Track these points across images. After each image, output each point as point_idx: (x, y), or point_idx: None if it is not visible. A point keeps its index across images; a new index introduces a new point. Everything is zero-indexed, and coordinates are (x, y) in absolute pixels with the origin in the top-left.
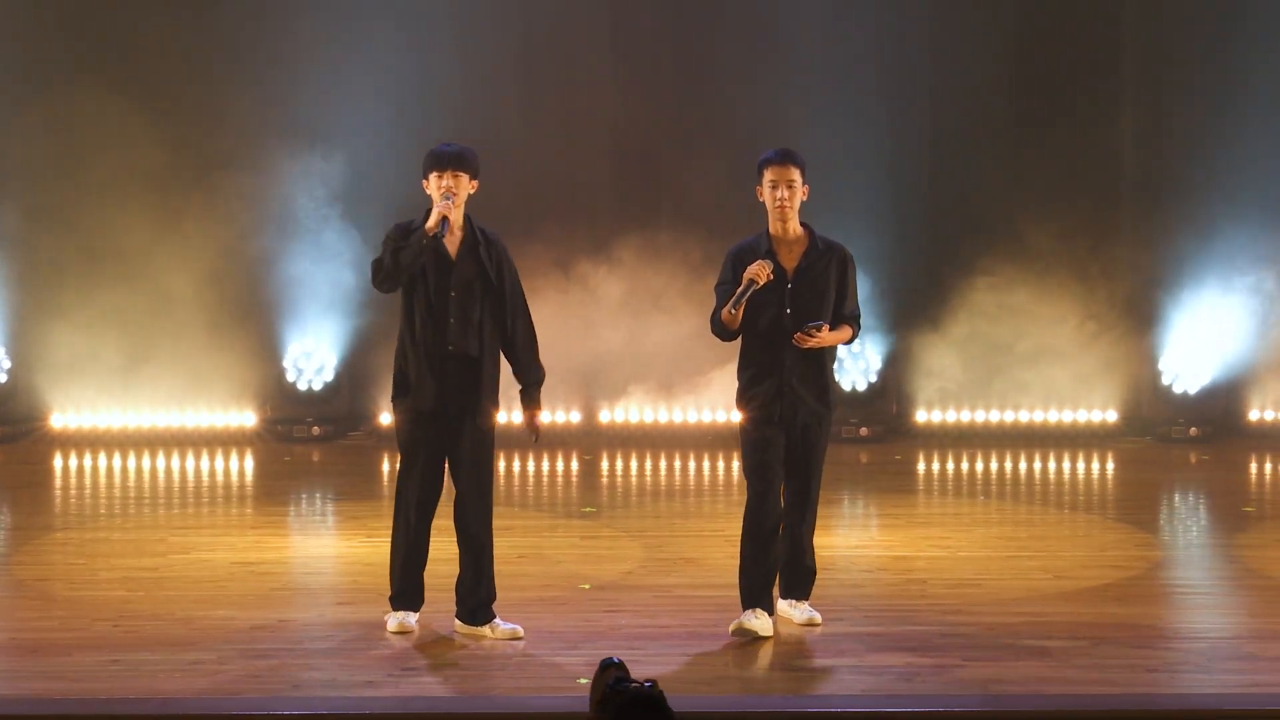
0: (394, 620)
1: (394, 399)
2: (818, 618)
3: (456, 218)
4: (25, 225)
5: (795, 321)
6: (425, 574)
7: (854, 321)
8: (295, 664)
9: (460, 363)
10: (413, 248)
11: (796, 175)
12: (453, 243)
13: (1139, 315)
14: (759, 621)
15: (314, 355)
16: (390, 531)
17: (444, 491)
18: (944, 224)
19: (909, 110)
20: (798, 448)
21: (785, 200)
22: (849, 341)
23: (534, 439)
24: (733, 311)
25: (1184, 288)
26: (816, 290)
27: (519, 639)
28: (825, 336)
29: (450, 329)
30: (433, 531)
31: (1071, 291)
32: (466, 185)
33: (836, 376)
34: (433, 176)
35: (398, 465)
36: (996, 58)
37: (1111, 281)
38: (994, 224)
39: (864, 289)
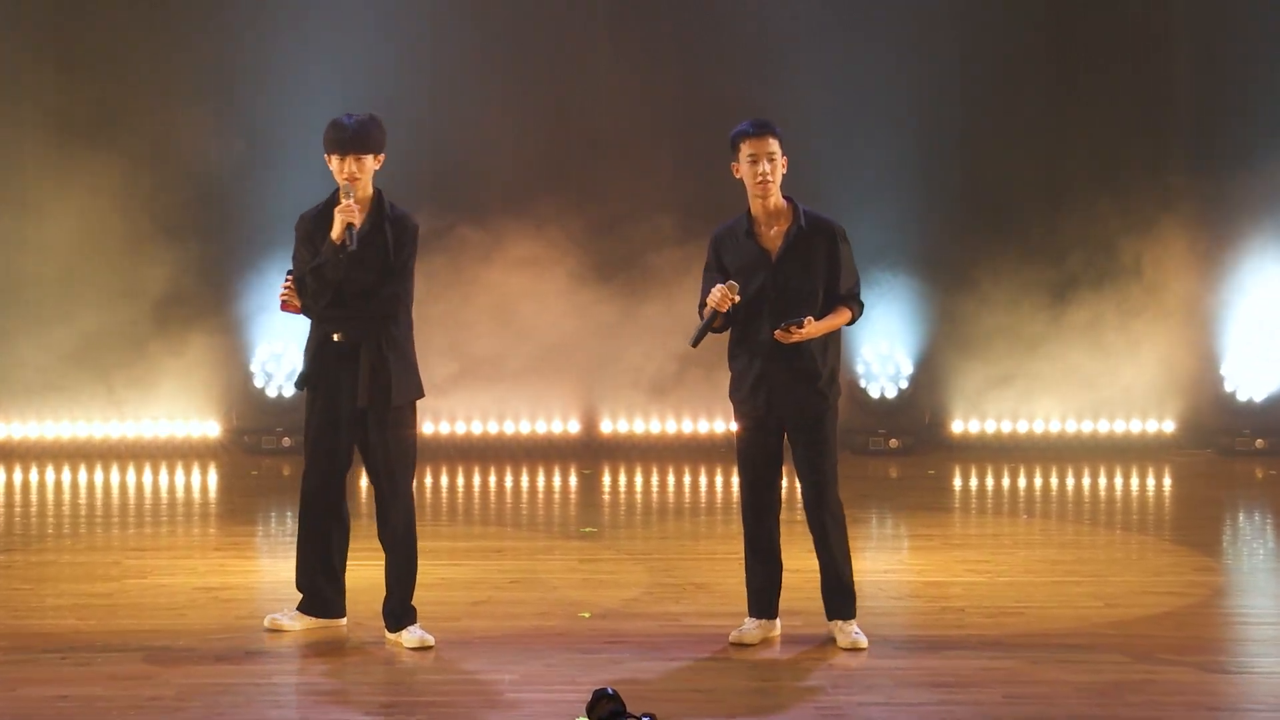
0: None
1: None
2: (862, 640)
3: (361, 215)
4: None
5: (781, 305)
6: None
7: (853, 301)
8: (263, 701)
9: (353, 348)
10: (330, 262)
11: (776, 146)
12: (357, 213)
13: (1198, 314)
14: (743, 629)
15: (284, 358)
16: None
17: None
18: (979, 216)
19: (942, 108)
20: (797, 443)
21: (767, 174)
22: (850, 323)
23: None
24: (692, 347)
25: (1248, 283)
26: (805, 271)
27: (427, 647)
28: (811, 328)
29: (344, 313)
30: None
31: (1123, 288)
32: (371, 165)
33: (859, 369)
34: (334, 158)
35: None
36: (1033, 27)
37: (1167, 276)
38: (1034, 214)
39: (890, 285)
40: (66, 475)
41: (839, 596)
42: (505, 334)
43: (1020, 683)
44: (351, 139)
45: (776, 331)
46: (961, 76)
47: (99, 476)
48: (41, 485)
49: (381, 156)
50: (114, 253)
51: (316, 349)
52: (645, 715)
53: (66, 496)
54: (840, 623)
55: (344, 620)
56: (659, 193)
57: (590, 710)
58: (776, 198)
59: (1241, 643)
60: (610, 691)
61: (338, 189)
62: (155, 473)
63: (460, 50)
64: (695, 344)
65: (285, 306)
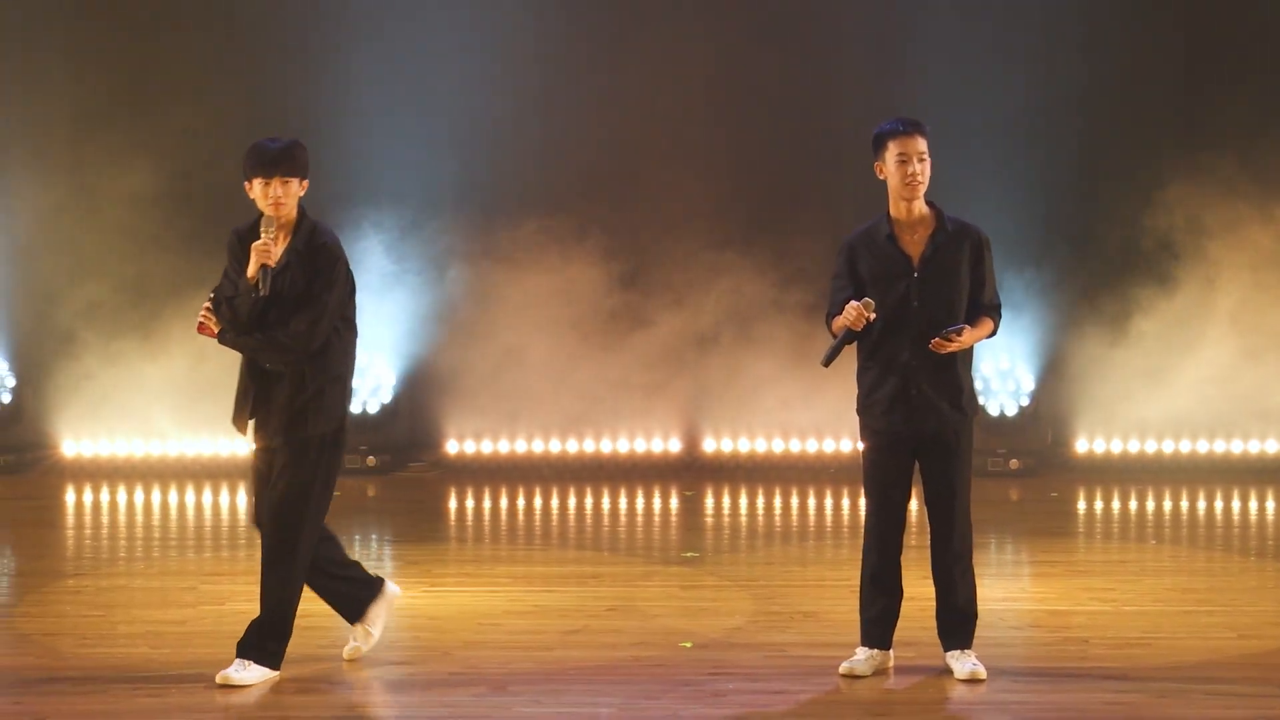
0: None
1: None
2: (981, 672)
3: (277, 252)
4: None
5: (924, 316)
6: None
7: (994, 312)
8: None
9: (274, 379)
10: (244, 298)
11: (925, 146)
12: (278, 248)
13: None
14: (854, 660)
15: (369, 373)
16: None
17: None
18: (1107, 222)
19: (1061, 111)
20: (932, 463)
21: (917, 174)
22: (991, 335)
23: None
24: (824, 366)
25: None
26: (947, 279)
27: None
28: (965, 338)
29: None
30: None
31: (1258, 299)
32: (296, 190)
33: (977, 385)
34: (257, 183)
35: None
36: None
37: None
38: (1168, 217)
39: (1012, 297)
40: (139, 496)
41: (958, 625)
42: (602, 348)
43: (1147, 719)
44: (278, 160)
45: (934, 340)
46: (1084, 82)
47: (173, 497)
48: (113, 506)
49: (305, 182)
50: (196, 274)
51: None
52: None
53: (139, 518)
54: (957, 652)
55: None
56: (769, 212)
57: None
58: (919, 202)
59: None
60: None
61: (258, 220)
62: (233, 494)
63: (546, 58)
64: (827, 364)
65: (201, 329)
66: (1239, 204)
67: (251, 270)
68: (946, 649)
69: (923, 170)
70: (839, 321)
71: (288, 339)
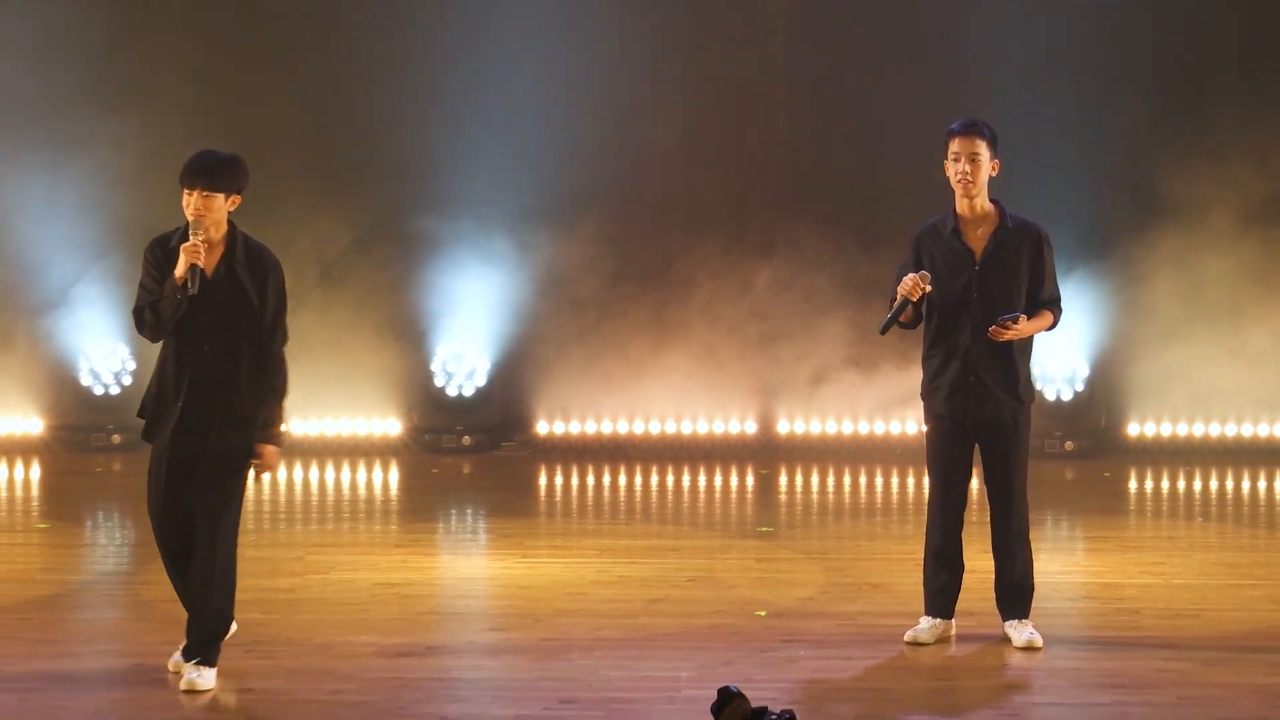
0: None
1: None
2: (1038, 640)
3: (210, 256)
4: None
5: (983, 307)
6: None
7: (1053, 306)
8: (443, 695)
9: (207, 389)
10: (169, 299)
11: (981, 147)
12: (211, 261)
13: None
14: (918, 629)
15: (465, 359)
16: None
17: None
18: (1156, 215)
19: (1119, 93)
20: (990, 446)
21: (967, 174)
22: (1050, 328)
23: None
24: (880, 334)
25: None
26: (1007, 273)
27: (195, 691)
28: (1022, 327)
29: (202, 355)
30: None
31: None
32: (223, 205)
33: (1035, 373)
34: (184, 192)
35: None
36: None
37: None
38: (1213, 213)
39: (1069, 288)
40: (252, 473)
41: (1016, 597)
42: (681, 337)
43: (1194, 685)
44: (203, 173)
45: (991, 328)
46: (1135, 80)
47: (282, 473)
48: None
49: (237, 198)
50: (315, 260)
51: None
52: (787, 711)
53: (250, 493)
54: (1015, 622)
55: None
56: (843, 199)
57: (718, 711)
58: (982, 199)
59: None
60: (734, 689)
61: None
62: (338, 470)
63: (640, 60)
64: (883, 331)
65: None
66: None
67: (180, 269)
68: (1005, 619)
69: (974, 170)
70: (898, 290)
71: (280, 370)
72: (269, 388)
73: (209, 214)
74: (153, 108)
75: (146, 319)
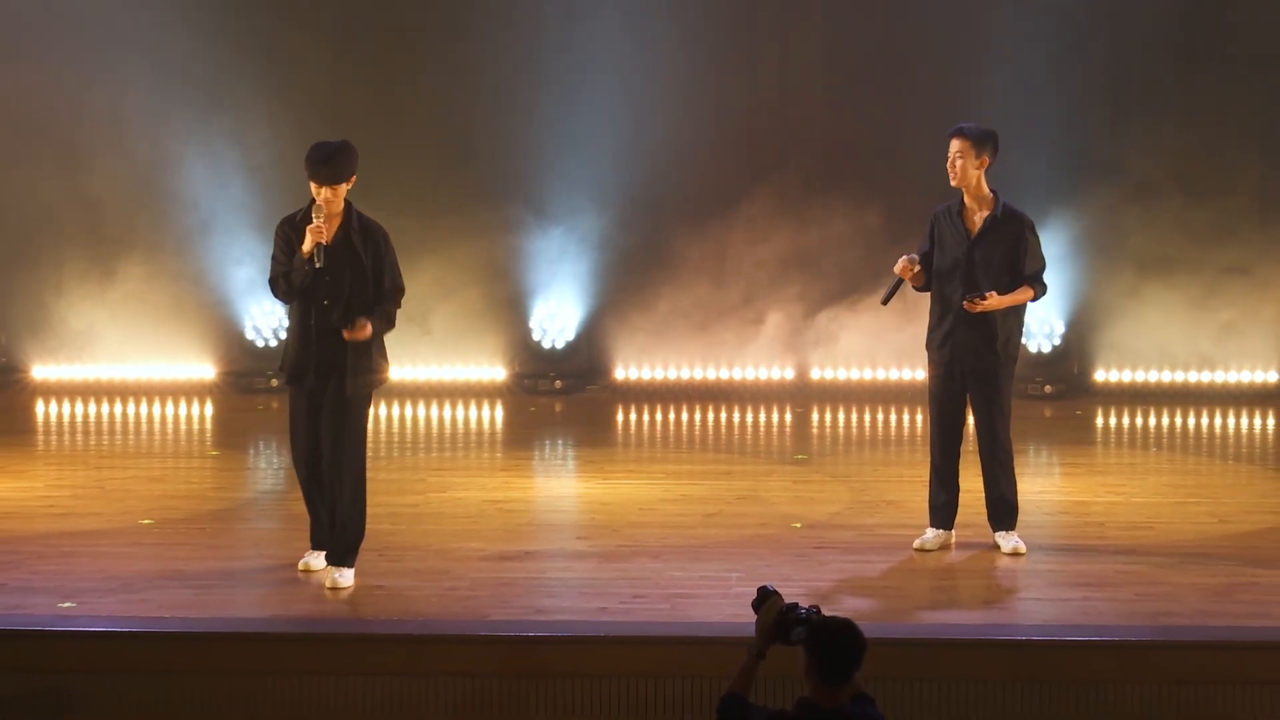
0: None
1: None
2: (1022, 547)
3: (329, 228)
4: None
5: (974, 277)
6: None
7: (1033, 281)
8: (538, 591)
9: (331, 339)
10: (298, 271)
11: (958, 146)
12: (330, 232)
13: None
14: (924, 538)
15: (557, 317)
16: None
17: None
18: (1127, 197)
19: (1088, 79)
20: (976, 390)
21: (953, 169)
22: (1035, 299)
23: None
24: (882, 304)
25: None
26: (995, 251)
27: (338, 588)
28: (993, 301)
29: (324, 310)
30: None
31: (1242, 260)
32: (343, 190)
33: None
34: (311, 183)
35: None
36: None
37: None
38: (1174, 198)
39: (1047, 259)
40: (383, 409)
41: (1003, 512)
42: (739, 298)
43: (1149, 584)
44: (322, 169)
45: (965, 301)
46: (1108, 71)
47: (408, 410)
48: None
49: (352, 179)
50: (425, 237)
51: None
52: (813, 607)
53: (382, 426)
54: (1003, 533)
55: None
56: (874, 181)
57: (757, 605)
58: (976, 187)
59: None
60: (770, 588)
61: (312, 202)
62: (454, 408)
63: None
64: (885, 303)
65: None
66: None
67: (307, 247)
68: (994, 530)
69: (954, 165)
70: (895, 268)
71: (394, 304)
72: (381, 312)
73: (335, 199)
74: (299, 96)
75: (280, 286)
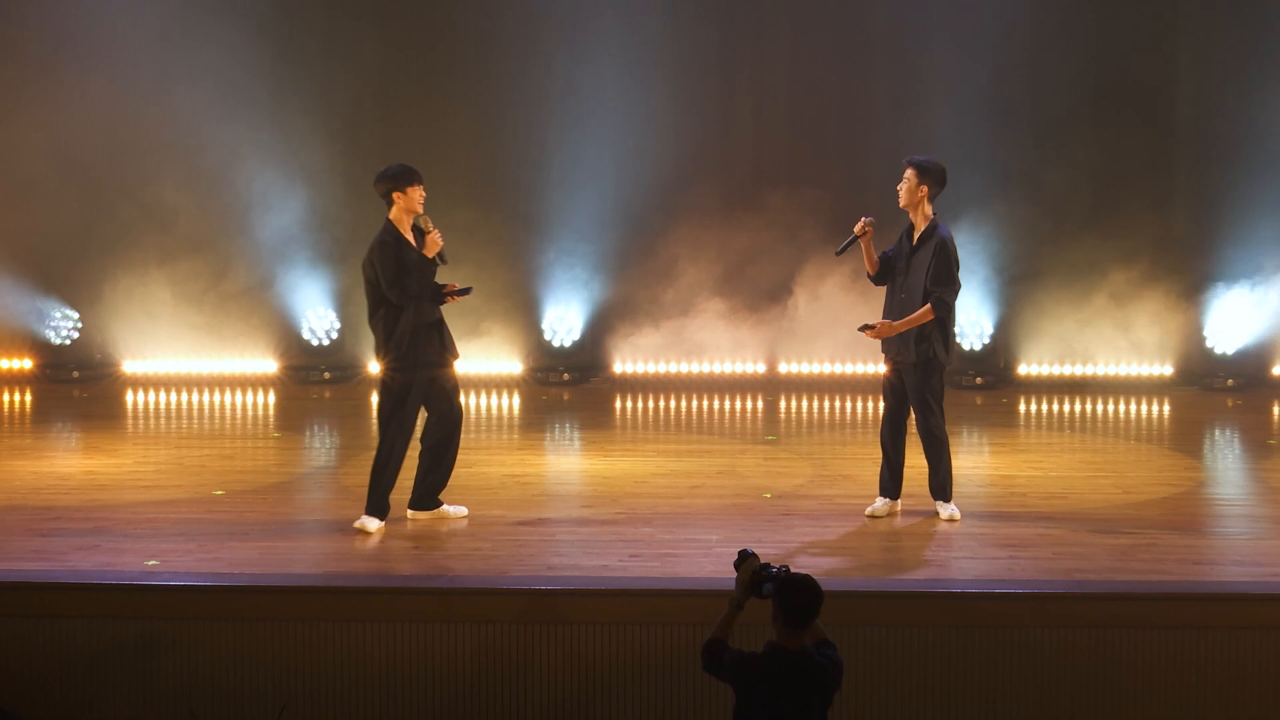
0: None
1: (405, 360)
2: (957, 514)
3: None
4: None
5: (904, 284)
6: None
7: (932, 296)
8: (549, 551)
9: (434, 326)
10: (429, 271)
11: (907, 171)
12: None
13: (1191, 289)
14: (874, 506)
15: (565, 318)
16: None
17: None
18: (1044, 219)
19: (1015, 109)
20: (908, 383)
21: (899, 190)
22: (934, 315)
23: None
24: (836, 254)
25: (1221, 266)
26: (921, 262)
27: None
28: (883, 329)
29: (427, 307)
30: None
31: (1143, 270)
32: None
33: (955, 337)
34: (419, 189)
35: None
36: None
37: (1169, 270)
38: (1080, 223)
39: (978, 270)
40: None
41: (940, 485)
42: (717, 299)
43: (1065, 545)
44: (420, 174)
45: (859, 330)
46: (1031, 99)
47: None
48: None
49: None
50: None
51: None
52: (783, 566)
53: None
54: (941, 503)
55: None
56: (838, 191)
57: (738, 565)
58: (913, 209)
59: (1217, 518)
60: (750, 551)
61: (390, 219)
62: (477, 397)
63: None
64: (838, 254)
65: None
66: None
67: (435, 251)
68: (934, 499)
69: (902, 189)
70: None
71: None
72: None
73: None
74: (352, 130)
75: (411, 289)
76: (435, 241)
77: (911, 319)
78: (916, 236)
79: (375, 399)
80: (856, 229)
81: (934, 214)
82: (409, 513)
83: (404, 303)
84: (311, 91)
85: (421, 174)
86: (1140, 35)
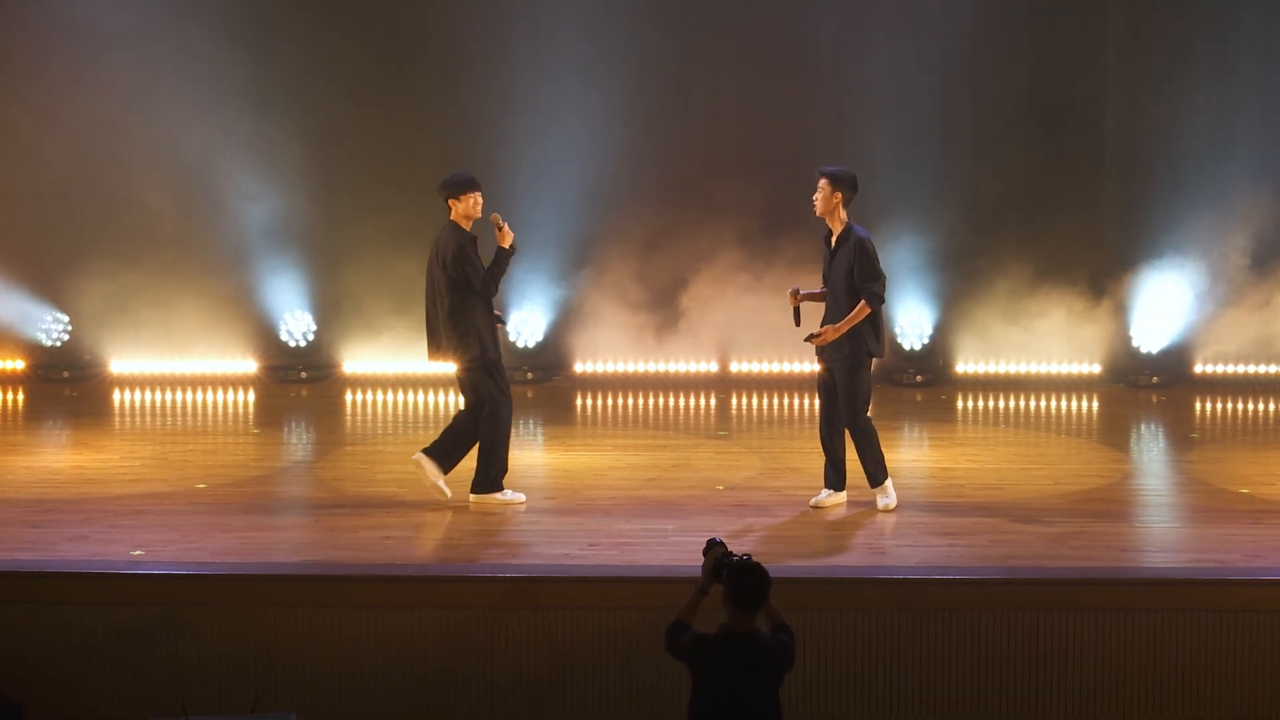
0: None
1: (487, 356)
2: (892, 503)
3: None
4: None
5: (831, 287)
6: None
7: (864, 291)
8: (514, 540)
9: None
10: (506, 262)
11: (820, 182)
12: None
13: (1117, 292)
14: (819, 497)
15: (529, 321)
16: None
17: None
18: (979, 225)
19: (953, 118)
20: (837, 381)
21: (814, 200)
22: (869, 309)
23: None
24: (798, 327)
25: (1146, 270)
26: (840, 267)
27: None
28: (829, 334)
29: (491, 304)
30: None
31: (1073, 274)
32: None
33: (895, 328)
34: (478, 195)
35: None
36: (1009, 64)
37: (1101, 269)
38: (1015, 226)
39: (917, 275)
40: (390, 396)
41: (870, 474)
42: (668, 301)
43: (1000, 533)
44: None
45: (805, 340)
46: (967, 104)
47: (410, 396)
48: (373, 403)
49: None
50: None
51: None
52: (745, 554)
53: (389, 410)
54: (879, 491)
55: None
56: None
57: (705, 552)
58: (829, 216)
59: (1142, 507)
60: (718, 539)
61: (454, 224)
62: (444, 395)
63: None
64: (797, 325)
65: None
66: (1058, 220)
67: (509, 243)
68: (871, 487)
69: (815, 200)
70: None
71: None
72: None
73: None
74: (327, 140)
75: (494, 284)
76: (509, 233)
77: (850, 319)
78: (834, 240)
79: (462, 395)
80: (791, 303)
81: (847, 218)
82: (472, 498)
83: (492, 294)
84: (289, 96)
85: (479, 183)
86: (1072, 52)
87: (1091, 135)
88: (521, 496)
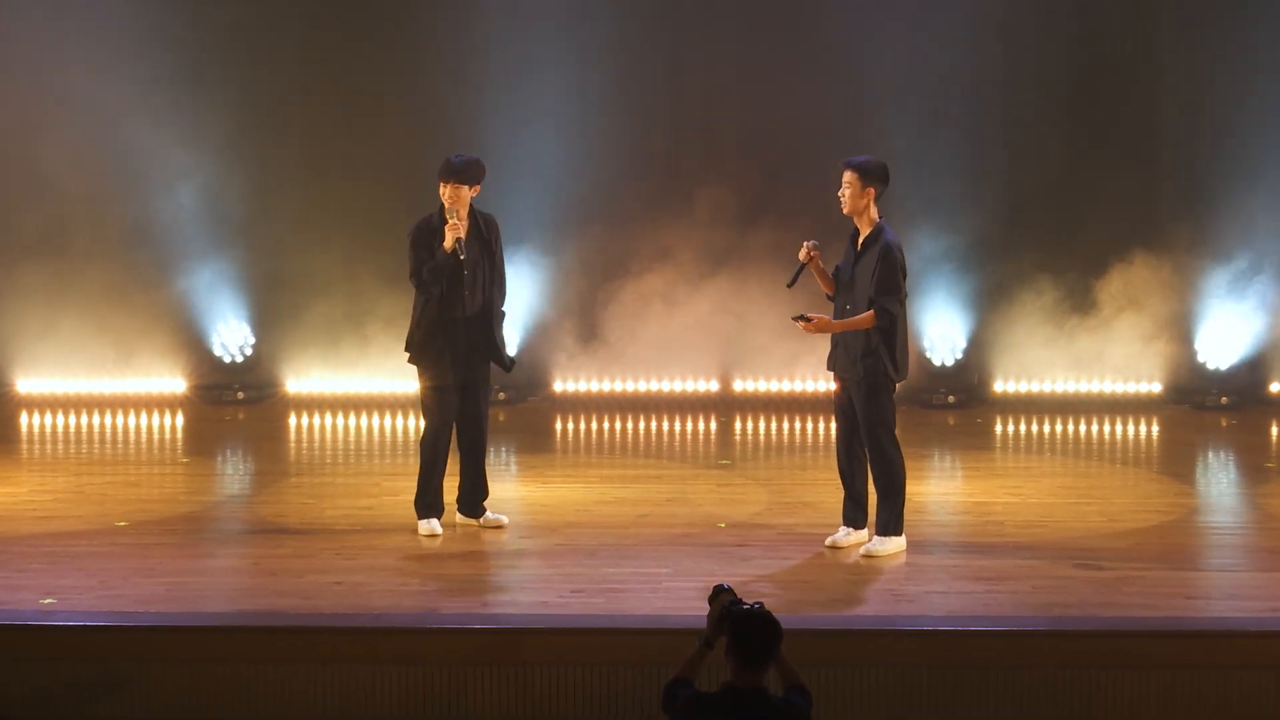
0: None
1: (420, 359)
2: (880, 551)
3: (463, 228)
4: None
5: (850, 291)
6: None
7: (875, 305)
8: (485, 586)
9: (470, 322)
10: (442, 264)
11: (847, 176)
12: (462, 228)
13: (1181, 304)
14: (836, 536)
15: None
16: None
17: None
18: (1016, 224)
19: (988, 119)
20: (854, 399)
21: (840, 196)
22: (877, 324)
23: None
24: (788, 287)
25: (1213, 275)
26: (866, 269)
27: (501, 527)
28: (820, 323)
29: (465, 298)
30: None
31: (1127, 279)
32: (467, 194)
33: (924, 343)
34: (440, 185)
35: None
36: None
37: (1161, 275)
38: (1061, 230)
39: (947, 281)
40: (341, 420)
41: (884, 521)
42: (664, 313)
43: (1044, 577)
44: (453, 172)
45: (793, 319)
46: (1007, 101)
47: (365, 420)
48: (321, 428)
49: (477, 187)
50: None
51: (431, 323)
52: (756, 603)
53: (340, 436)
54: (879, 537)
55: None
56: (788, 208)
57: (711, 600)
58: (859, 215)
59: (1210, 549)
60: (726, 586)
61: (442, 206)
62: (405, 418)
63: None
64: (789, 285)
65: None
66: (1109, 221)
67: (449, 243)
68: (875, 532)
69: (841, 192)
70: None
71: (499, 290)
72: (501, 314)
73: (458, 201)
74: (273, 129)
75: (425, 279)
76: (450, 235)
77: (850, 322)
78: (861, 242)
79: (487, 393)
80: (801, 255)
81: (879, 217)
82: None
83: (421, 290)
84: (222, 70)
85: (449, 174)
86: (1119, 18)
87: (1145, 118)
88: (438, 529)
